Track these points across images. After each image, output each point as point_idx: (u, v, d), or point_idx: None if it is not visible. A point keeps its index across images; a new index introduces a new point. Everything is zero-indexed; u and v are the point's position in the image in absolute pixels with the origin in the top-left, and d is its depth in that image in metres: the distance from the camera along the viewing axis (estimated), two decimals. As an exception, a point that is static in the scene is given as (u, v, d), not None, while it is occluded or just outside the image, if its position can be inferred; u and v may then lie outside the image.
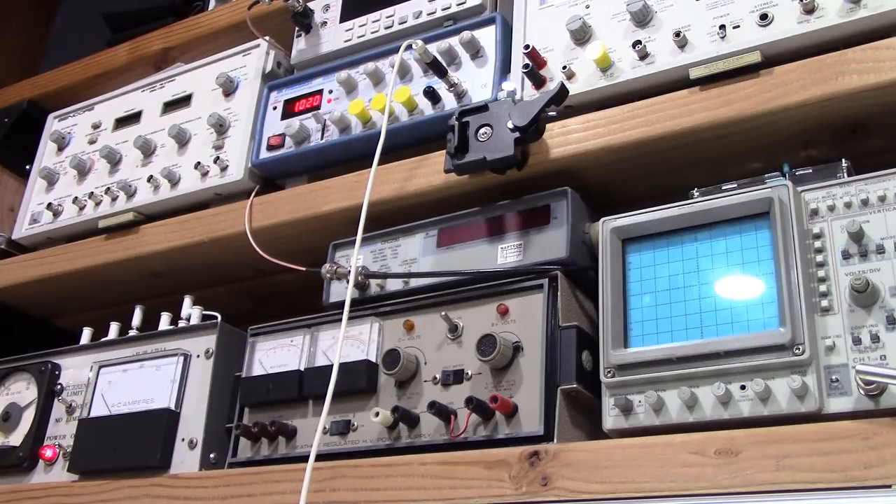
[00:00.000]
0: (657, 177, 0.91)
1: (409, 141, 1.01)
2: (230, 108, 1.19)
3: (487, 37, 1.00)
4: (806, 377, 0.68)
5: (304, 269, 1.01)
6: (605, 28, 0.92)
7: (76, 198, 1.26)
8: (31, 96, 1.53)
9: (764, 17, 0.82)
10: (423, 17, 1.07)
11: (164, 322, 1.12)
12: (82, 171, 1.29)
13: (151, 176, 1.19)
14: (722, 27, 0.84)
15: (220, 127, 1.17)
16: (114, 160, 1.26)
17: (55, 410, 1.14)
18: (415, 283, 0.93)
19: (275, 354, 0.98)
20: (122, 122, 1.31)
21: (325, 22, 1.16)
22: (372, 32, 1.11)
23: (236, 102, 1.19)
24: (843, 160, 0.77)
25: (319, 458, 0.81)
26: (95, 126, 1.33)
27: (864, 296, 0.68)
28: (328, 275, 0.97)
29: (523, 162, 0.90)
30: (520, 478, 0.75)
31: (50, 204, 1.29)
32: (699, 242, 0.79)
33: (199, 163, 1.15)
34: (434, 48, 1.00)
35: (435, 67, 0.98)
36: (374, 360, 0.91)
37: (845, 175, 0.76)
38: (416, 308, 0.92)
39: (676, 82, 0.86)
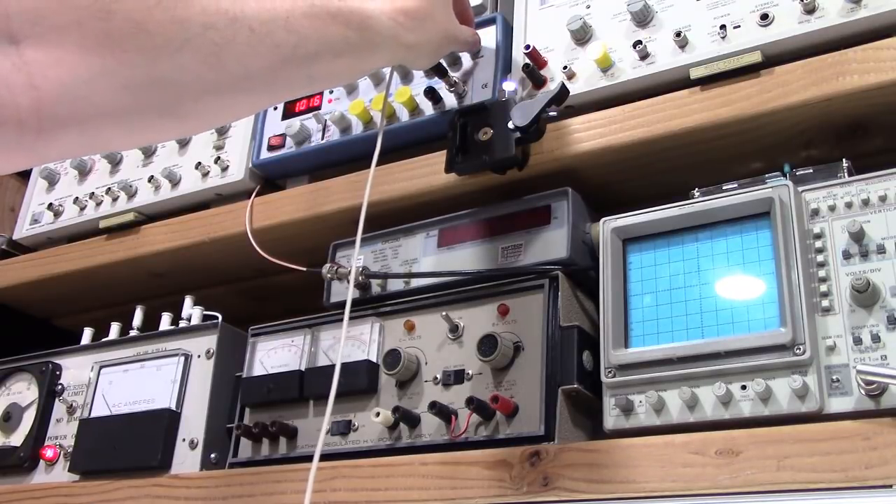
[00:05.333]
0: (658, 177, 0.91)
1: (409, 141, 1.01)
2: (231, 108, 1.19)
3: (488, 37, 0.99)
4: (807, 377, 0.68)
5: (304, 269, 1.01)
6: (605, 28, 0.92)
7: (77, 198, 1.26)
8: (31, 97, 1.52)
9: (764, 17, 0.82)
10: (424, 18, 1.07)
11: (165, 322, 1.12)
12: (83, 171, 1.29)
13: (152, 176, 1.19)
14: (722, 27, 0.84)
15: (221, 127, 1.17)
16: (114, 160, 1.26)
17: (56, 411, 1.14)
18: (415, 283, 0.93)
19: (275, 354, 0.98)
20: (122, 123, 1.31)
21: (326, 22, 1.16)
22: (372, 32, 1.11)
23: (237, 103, 1.19)
24: (844, 160, 0.77)
25: (320, 457, 0.81)
26: (96, 126, 1.33)
27: (865, 296, 0.68)
28: (329, 275, 0.97)
29: (524, 162, 0.90)
30: (520, 478, 0.75)
31: (51, 204, 1.29)
32: (700, 242, 0.79)
33: (199, 163, 1.15)
34: (435, 48, 1.00)
35: (435, 67, 0.98)
36: (374, 360, 0.91)
37: (846, 175, 0.76)
38: (417, 308, 0.92)
39: (677, 82, 0.86)
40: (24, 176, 1.42)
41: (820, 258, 0.72)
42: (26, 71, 0.50)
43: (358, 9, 0.74)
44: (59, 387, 1.15)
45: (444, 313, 0.87)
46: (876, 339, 0.67)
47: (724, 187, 0.81)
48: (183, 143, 1.20)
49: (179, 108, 0.59)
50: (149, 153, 1.23)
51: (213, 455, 0.99)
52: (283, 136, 1.09)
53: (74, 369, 1.15)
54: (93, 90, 0.53)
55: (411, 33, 0.80)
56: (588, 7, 0.94)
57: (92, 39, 0.52)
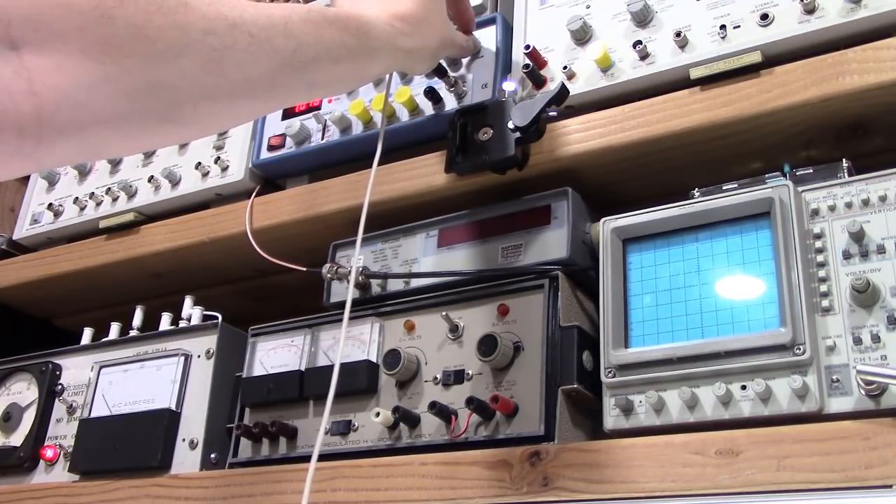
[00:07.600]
0: (657, 177, 0.91)
1: (409, 141, 1.01)
2: (231, 108, 1.18)
3: (488, 37, 0.99)
4: (806, 377, 0.68)
5: (304, 269, 1.01)
6: (605, 28, 0.92)
7: (77, 198, 1.26)
8: (31, 97, 1.52)
9: (764, 17, 0.82)
10: (424, 18, 1.07)
11: (165, 322, 1.12)
12: (83, 171, 1.29)
13: (152, 176, 1.19)
14: (722, 27, 0.84)
15: (221, 128, 1.17)
16: (114, 161, 1.26)
17: (56, 411, 1.14)
18: (415, 283, 0.93)
19: (275, 354, 0.98)
20: (122, 123, 1.30)
21: (326, 22, 1.16)
22: (372, 32, 1.11)
23: (237, 103, 1.18)
24: (844, 160, 0.77)
25: (320, 458, 0.81)
26: (96, 126, 1.33)
27: (865, 296, 0.68)
28: (329, 275, 0.97)
29: (524, 162, 0.90)
30: (520, 478, 0.75)
31: (51, 204, 1.29)
32: (700, 242, 0.79)
33: (199, 163, 1.15)
34: (434, 48, 1.00)
35: (435, 67, 0.98)
36: (374, 360, 0.91)
37: (846, 175, 0.76)
38: (417, 308, 0.92)
39: (677, 82, 0.86)
40: (24, 176, 1.42)
41: (820, 258, 0.72)
42: (27, 77, 0.50)
43: (355, 15, 0.74)
44: (59, 387, 1.15)
45: (444, 313, 0.87)
46: (876, 339, 0.67)
47: (724, 187, 0.81)
48: (183, 144, 1.20)
49: (179, 114, 0.59)
50: (149, 153, 1.23)
51: (213, 455, 0.99)
52: (283, 136, 1.09)
53: (74, 369, 1.15)
54: (93, 96, 0.53)
55: (408, 38, 0.80)
56: (588, 7, 0.94)
57: (93, 45, 0.52)
